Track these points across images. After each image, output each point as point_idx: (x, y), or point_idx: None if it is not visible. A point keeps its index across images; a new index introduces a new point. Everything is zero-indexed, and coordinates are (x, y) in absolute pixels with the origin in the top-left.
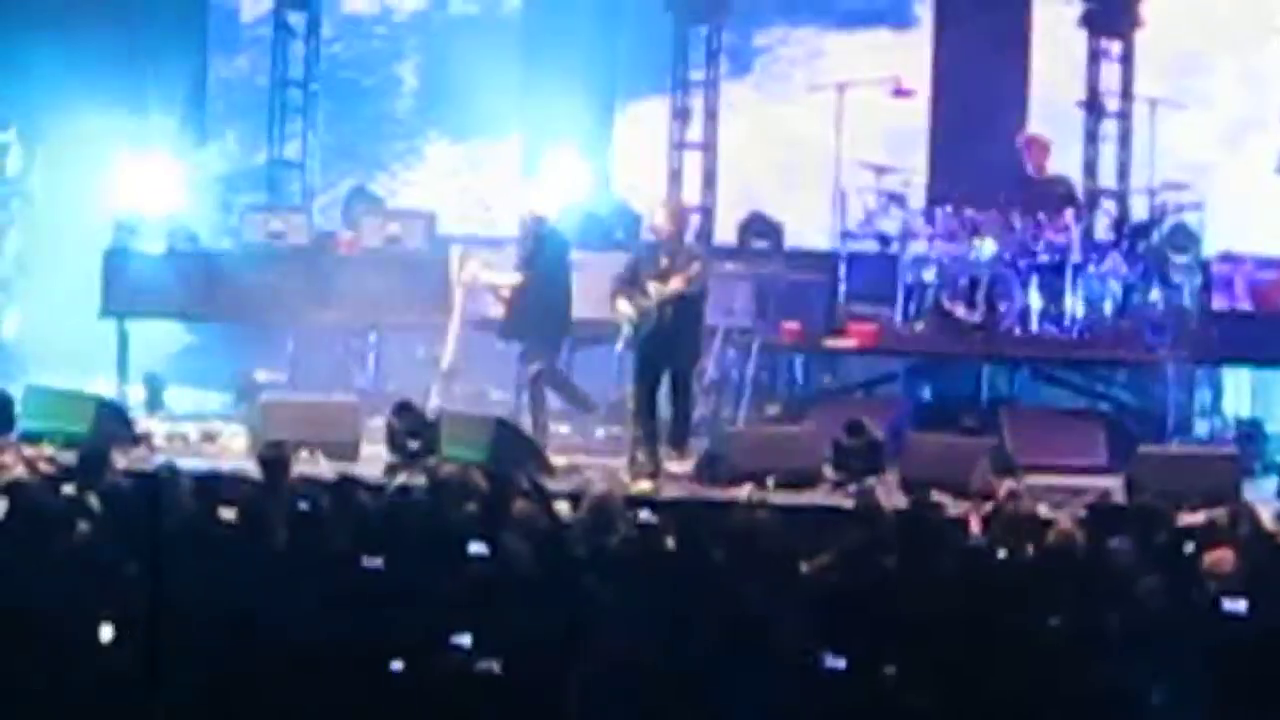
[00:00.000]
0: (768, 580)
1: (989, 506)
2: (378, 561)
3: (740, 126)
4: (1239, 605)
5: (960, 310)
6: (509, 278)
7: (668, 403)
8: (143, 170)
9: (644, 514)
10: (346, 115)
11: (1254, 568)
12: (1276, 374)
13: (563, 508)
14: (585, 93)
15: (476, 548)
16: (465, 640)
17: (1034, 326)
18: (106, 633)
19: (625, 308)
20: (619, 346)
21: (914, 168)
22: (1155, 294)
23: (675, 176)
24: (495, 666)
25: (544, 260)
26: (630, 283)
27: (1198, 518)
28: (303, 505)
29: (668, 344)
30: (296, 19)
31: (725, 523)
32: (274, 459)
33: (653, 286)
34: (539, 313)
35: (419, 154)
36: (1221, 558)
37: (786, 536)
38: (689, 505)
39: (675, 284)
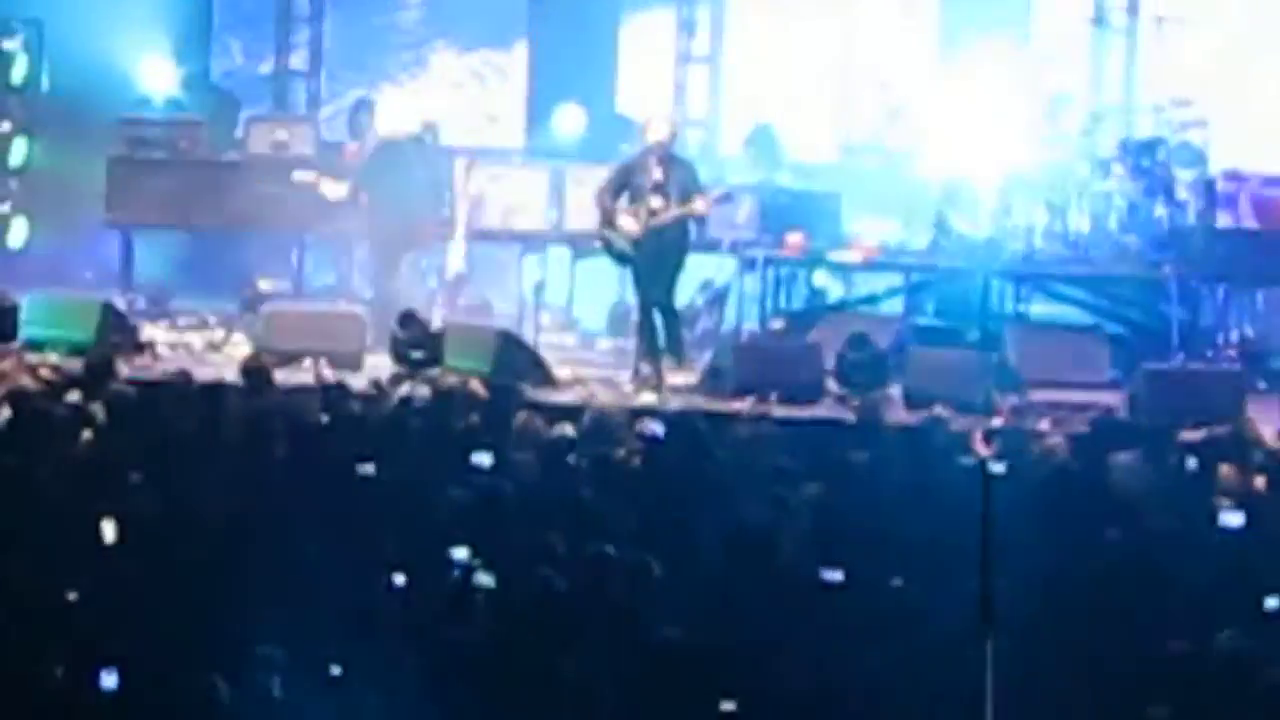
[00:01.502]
0: (769, 493)
1: (993, 422)
2: (369, 468)
3: (746, 40)
4: (1236, 519)
5: (964, 225)
6: None
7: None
8: (149, 71)
9: (649, 425)
10: (353, 25)
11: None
12: None
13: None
14: (591, 4)
15: (479, 458)
16: (463, 554)
17: (1039, 242)
18: (109, 532)
19: (630, 223)
20: (611, 255)
21: (921, 82)
22: (1160, 211)
23: (680, 90)
24: (491, 581)
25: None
26: (617, 194)
27: (1199, 434)
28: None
29: (663, 257)
30: None
31: (728, 435)
32: (255, 370)
33: (656, 202)
34: None
35: (425, 64)
36: (1227, 473)
37: (789, 449)
38: (692, 417)
39: (699, 206)
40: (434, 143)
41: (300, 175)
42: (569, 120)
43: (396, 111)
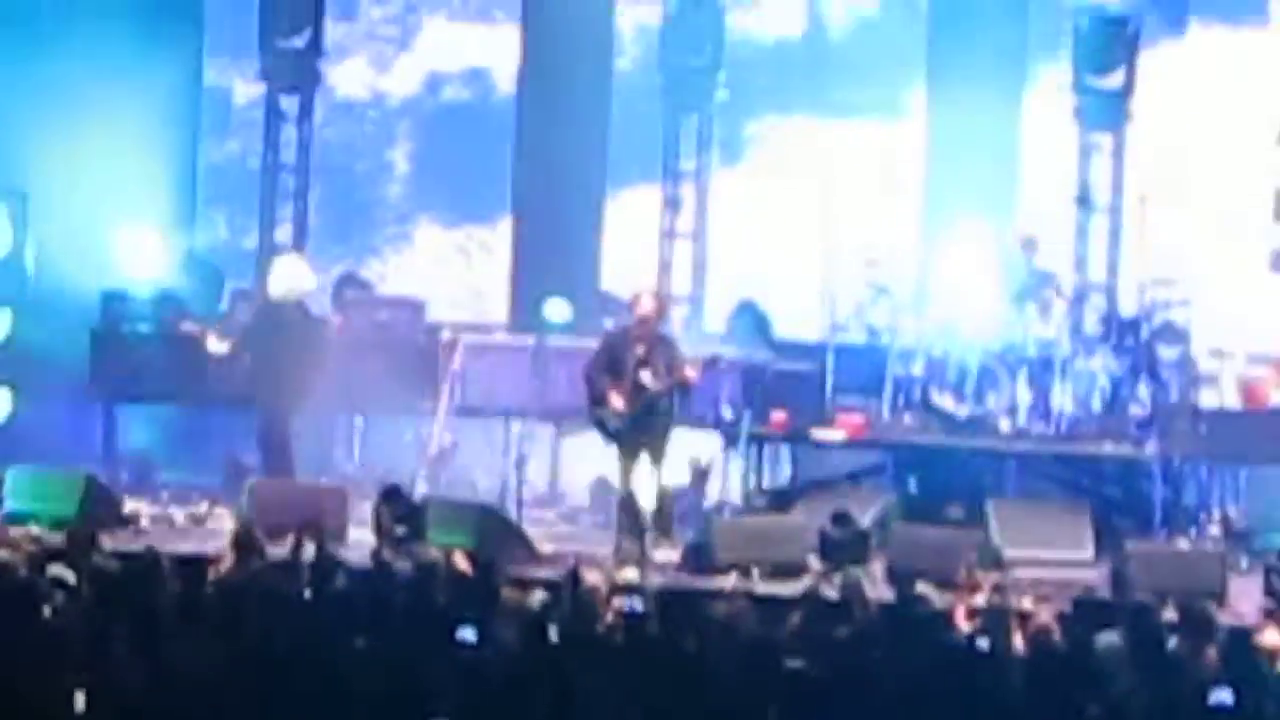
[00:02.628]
0: (750, 671)
1: (976, 600)
2: (360, 643)
3: (731, 216)
4: (1226, 696)
5: (949, 403)
6: None
7: (650, 491)
8: (133, 245)
9: (629, 601)
10: (338, 199)
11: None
12: (1265, 471)
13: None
14: (577, 180)
15: (463, 633)
16: None
17: (1022, 420)
18: (80, 702)
19: (619, 403)
20: (602, 434)
21: (904, 260)
22: (1144, 389)
23: (665, 265)
24: None
25: None
26: (612, 371)
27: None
28: (285, 588)
29: (651, 431)
30: (289, 103)
31: (709, 612)
32: (245, 542)
33: (646, 377)
34: None
35: (409, 239)
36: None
37: (770, 627)
38: (673, 593)
39: (690, 374)
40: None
41: (187, 327)
42: (554, 311)
43: (286, 273)
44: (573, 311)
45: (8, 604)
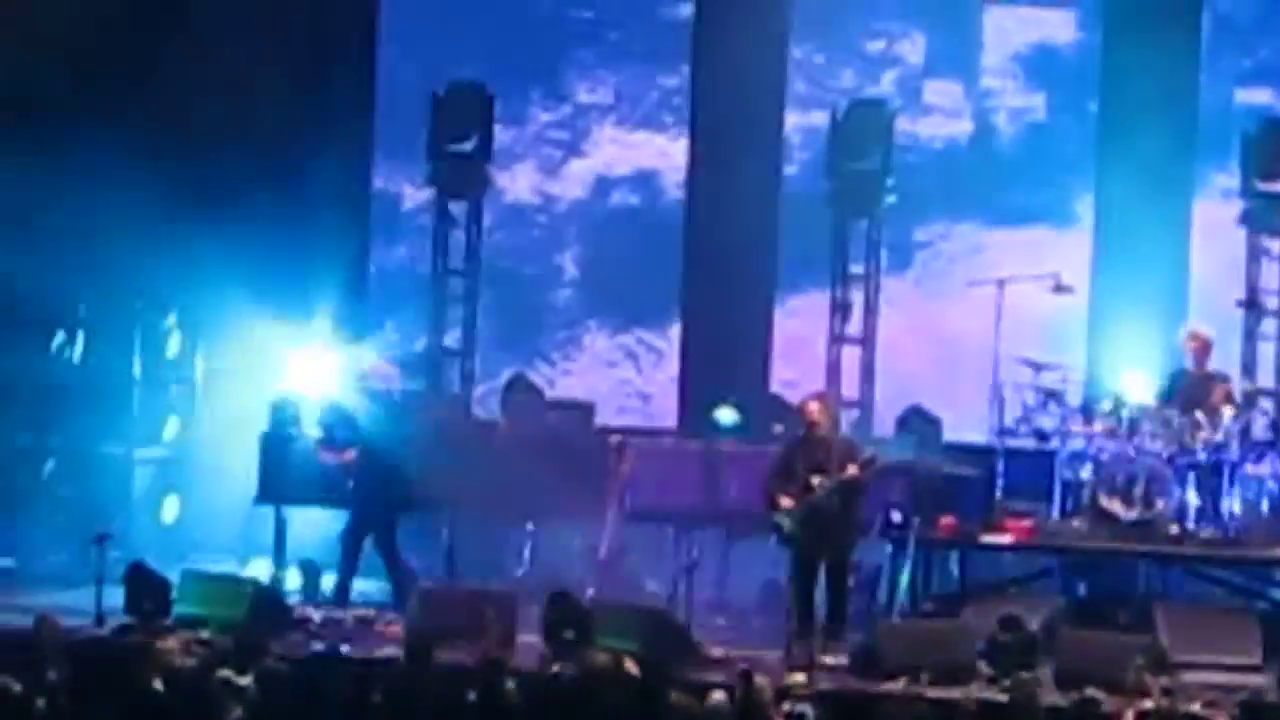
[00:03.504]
0: None
1: (1144, 704)
2: None
3: (899, 321)
4: None
5: (1117, 507)
6: None
7: (824, 595)
8: (303, 361)
9: (798, 706)
10: (507, 304)
11: None
12: None
13: (718, 698)
14: (745, 285)
15: None
16: None
17: (1191, 524)
18: None
19: (788, 503)
20: (780, 539)
21: (1073, 364)
22: None
23: (834, 370)
24: None
25: None
26: (786, 477)
27: None
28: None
29: (827, 534)
30: (458, 208)
31: (879, 716)
32: (419, 647)
33: (815, 480)
34: None
35: (578, 343)
36: None
37: None
38: (843, 697)
39: (851, 470)
40: None
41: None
42: (723, 415)
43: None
44: (741, 416)
45: (182, 708)
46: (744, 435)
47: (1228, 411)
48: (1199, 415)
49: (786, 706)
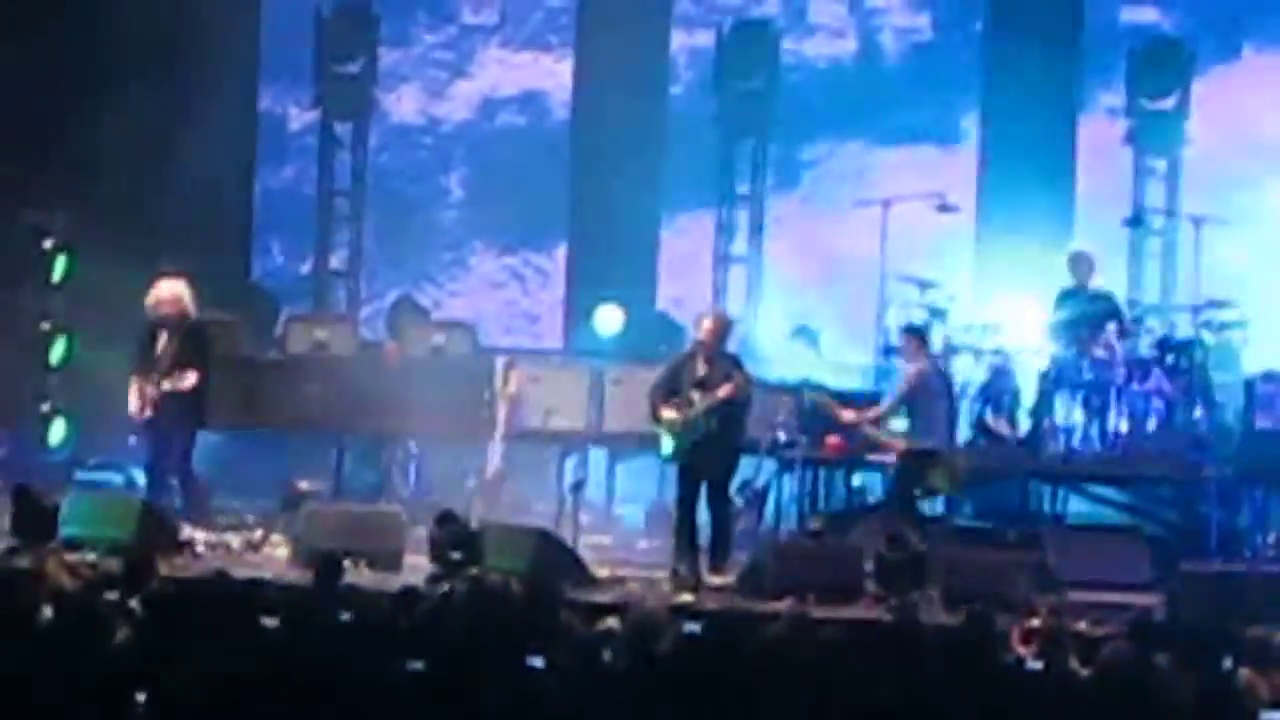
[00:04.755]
0: (806, 695)
1: (1031, 623)
2: (418, 665)
3: (786, 240)
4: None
5: (1003, 426)
6: None
7: (708, 513)
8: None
9: (685, 625)
10: (393, 225)
11: None
12: None
13: (610, 621)
14: (631, 205)
15: (529, 660)
16: None
17: (1077, 443)
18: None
19: (670, 415)
20: (662, 456)
21: (957, 283)
22: (1198, 412)
23: (720, 289)
24: None
25: None
26: (671, 391)
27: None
28: (345, 615)
29: (708, 454)
30: (343, 129)
31: (765, 636)
32: (328, 568)
33: (696, 395)
34: None
35: (465, 264)
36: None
37: (826, 651)
38: (730, 617)
39: (722, 391)
40: None
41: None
42: (608, 320)
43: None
44: (624, 321)
45: (66, 630)
46: (626, 342)
47: (1113, 330)
48: (1084, 334)
49: (674, 627)
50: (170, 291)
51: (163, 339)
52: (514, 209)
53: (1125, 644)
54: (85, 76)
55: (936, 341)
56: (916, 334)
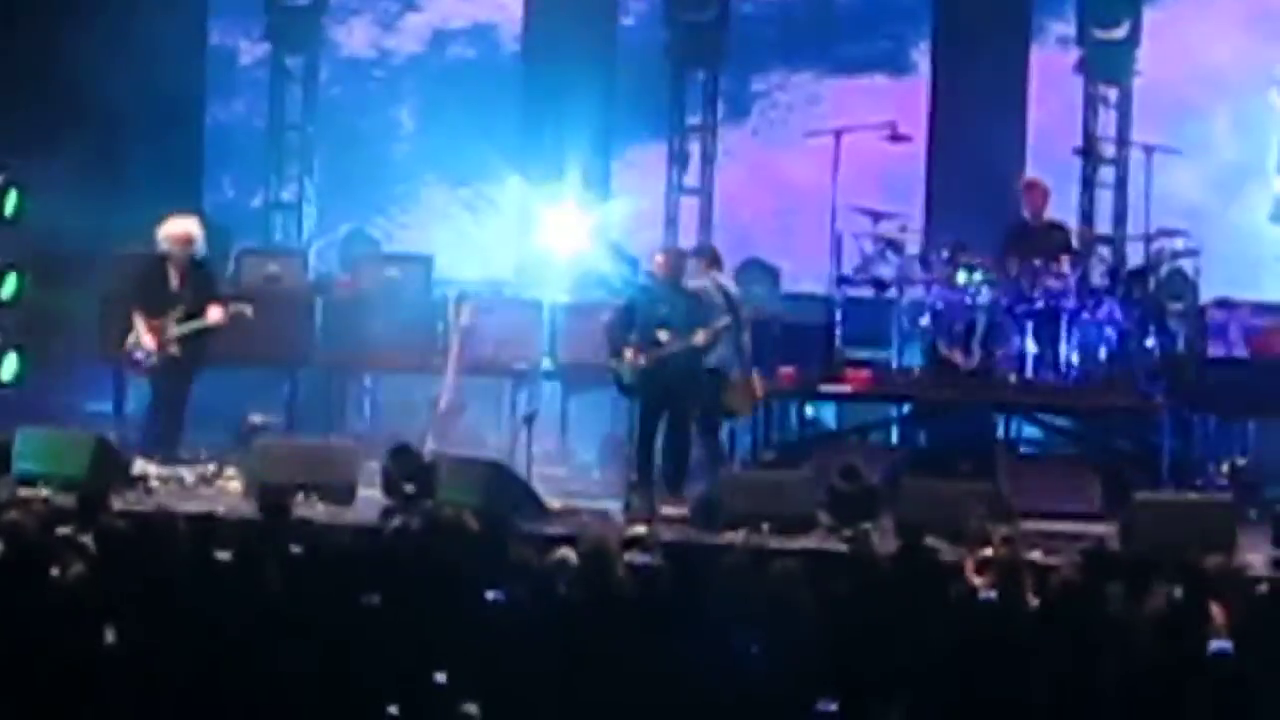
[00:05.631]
0: (760, 625)
1: (985, 552)
2: (374, 599)
3: (737, 171)
4: (1225, 644)
5: (956, 356)
6: None
7: (664, 446)
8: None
9: (640, 557)
10: (344, 158)
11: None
12: (1273, 421)
13: (564, 551)
14: (583, 137)
15: (487, 593)
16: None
17: (1030, 373)
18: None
19: (634, 357)
20: (618, 388)
21: (910, 213)
22: (1151, 341)
23: (672, 222)
24: (475, 709)
25: None
26: (626, 328)
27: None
28: (297, 549)
29: (669, 390)
30: (294, 62)
31: (722, 567)
32: (275, 503)
33: (664, 335)
34: None
35: (416, 197)
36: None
37: (779, 581)
38: (684, 548)
39: (698, 339)
40: None
41: (236, 308)
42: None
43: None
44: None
45: (18, 565)
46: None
47: (1065, 259)
48: (1037, 263)
49: (628, 557)
50: (183, 229)
51: (174, 277)
52: (465, 141)
53: (1077, 572)
54: (30, 9)
55: (889, 271)
56: (704, 255)
